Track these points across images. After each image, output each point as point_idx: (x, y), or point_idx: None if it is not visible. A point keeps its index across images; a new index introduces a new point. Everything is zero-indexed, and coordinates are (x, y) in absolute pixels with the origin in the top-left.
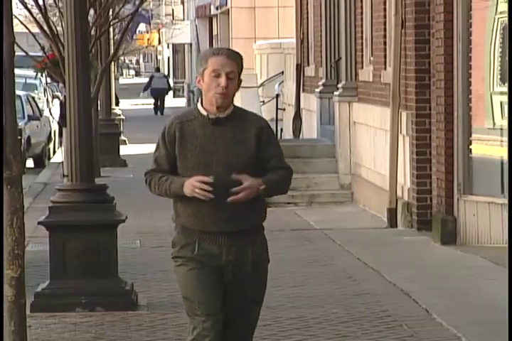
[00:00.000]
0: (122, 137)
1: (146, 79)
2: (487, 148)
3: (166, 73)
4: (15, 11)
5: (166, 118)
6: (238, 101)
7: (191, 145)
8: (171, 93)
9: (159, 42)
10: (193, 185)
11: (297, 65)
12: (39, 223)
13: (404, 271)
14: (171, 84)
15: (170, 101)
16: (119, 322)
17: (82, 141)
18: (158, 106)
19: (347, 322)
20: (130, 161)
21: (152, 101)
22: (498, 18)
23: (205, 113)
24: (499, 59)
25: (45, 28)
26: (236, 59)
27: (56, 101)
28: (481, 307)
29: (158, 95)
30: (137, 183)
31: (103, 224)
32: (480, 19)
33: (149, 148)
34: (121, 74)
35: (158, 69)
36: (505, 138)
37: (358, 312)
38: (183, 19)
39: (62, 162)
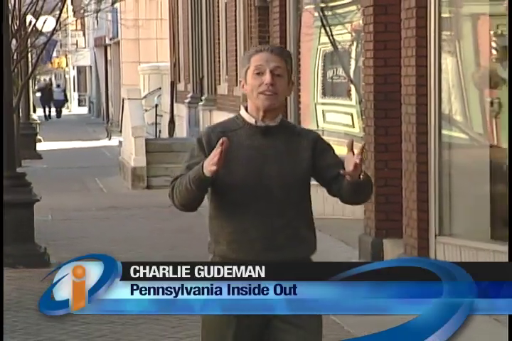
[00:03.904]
0: (38, 136)
1: None
2: None
3: (72, 89)
4: None
5: (66, 122)
6: (126, 110)
7: (237, 158)
8: (75, 102)
9: (66, 65)
10: (212, 156)
11: (171, 82)
12: None
13: None
14: (69, 96)
15: (75, 109)
16: (35, 277)
17: (6, 139)
18: (58, 113)
19: None
20: (44, 155)
21: (54, 109)
22: (320, 48)
23: (252, 120)
24: (321, 78)
25: None
26: (282, 54)
27: None
28: None
29: (58, 105)
30: (50, 171)
31: (23, 202)
32: (306, 48)
33: (59, 144)
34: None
35: (58, 86)
36: (326, 137)
37: None
38: (85, 47)
39: None
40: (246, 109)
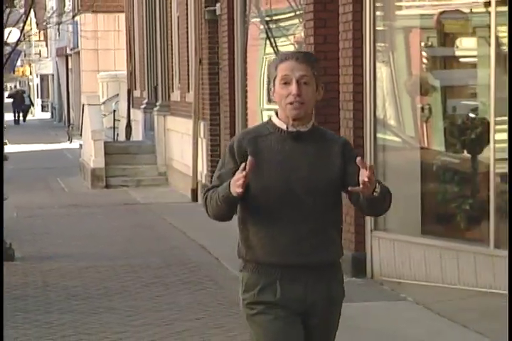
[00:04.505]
0: (4, 139)
1: None
2: None
3: (36, 95)
4: None
5: (30, 126)
6: (86, 115)
7: (267, 163)
8: (39, 108)
9: (30, 73)
10: (236, 179)
11: (128, 89)
12: None
13: (202, 231)
14: (34, 102)
15: (38, 114)
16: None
17: None
18: (23, 117)
19: (162, 267)
20: (10, 157)
21: (20, 114)
22: (265, 58)
23: (283, 126)
24: (266, 86)
25: None
26: (307, 60)
27: None
28: None
29: (24, 109)
30: (15, 172)
31: None
32: (253, 58)
33: (24, 147)
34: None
35: (24, 92)
36: None
37: (170, 260)
38: (47, 57)
39: None
40: (277, 114)
